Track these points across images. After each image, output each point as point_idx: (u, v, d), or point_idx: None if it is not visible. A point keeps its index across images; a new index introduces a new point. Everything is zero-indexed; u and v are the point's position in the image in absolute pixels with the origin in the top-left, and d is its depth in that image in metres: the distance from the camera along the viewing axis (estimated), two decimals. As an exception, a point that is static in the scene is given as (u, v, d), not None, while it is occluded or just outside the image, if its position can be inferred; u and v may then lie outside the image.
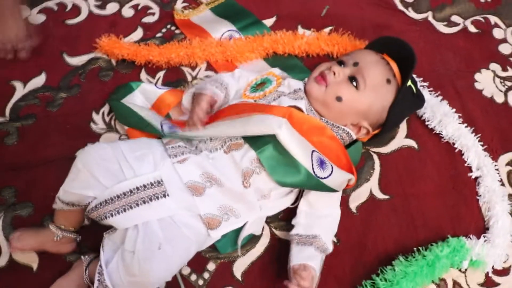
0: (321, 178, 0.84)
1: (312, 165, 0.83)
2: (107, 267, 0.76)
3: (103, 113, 1.06)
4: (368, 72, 0.90)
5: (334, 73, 0.91)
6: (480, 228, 0.94)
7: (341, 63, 0.94)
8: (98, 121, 1.06)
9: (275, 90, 0.94)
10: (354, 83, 0.90)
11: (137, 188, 0.79)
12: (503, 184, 0.98)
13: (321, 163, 0.84)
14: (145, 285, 0.75)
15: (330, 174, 0.85)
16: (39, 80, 1.12)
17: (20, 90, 1.11)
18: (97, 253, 0.84)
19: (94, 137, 1.03)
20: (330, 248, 0.85)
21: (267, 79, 0.98)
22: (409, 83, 0.94)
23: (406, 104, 0.95)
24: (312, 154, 0.84)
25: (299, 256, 0.83)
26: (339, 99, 0.89)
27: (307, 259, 0.81)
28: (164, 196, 0.79)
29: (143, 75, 1.12)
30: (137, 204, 0.78)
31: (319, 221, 0.87)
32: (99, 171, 0.79)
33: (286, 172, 0.83)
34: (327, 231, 0.87)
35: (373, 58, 0.93)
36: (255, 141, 0.83)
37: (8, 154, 1.02)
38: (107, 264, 0.77)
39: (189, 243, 0.80)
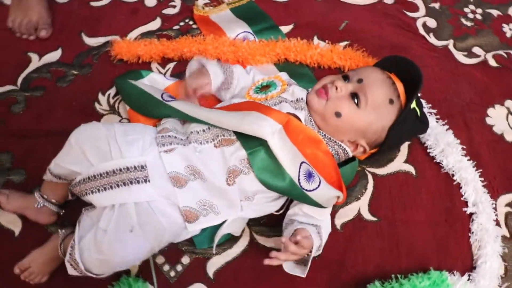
0: (306, 190, 0.82)
1: (299, 175, 0.82)
2: (80, 242, 0.77)
3: (108, 95, 1.08)
4: (371, 90, 0.89)
5: (337, 88, 0.89)
6: (467, 266, 0.91)
7: (346, 78, 0.92)
8: (102, 102, 1.07)
9: (278, 96, 0.93)
10: (356, 100, 0.88)
11: (120, 170, 0.80)
12: (498, 225, 0.94)
13: (309, 176, 0.83)
14: (111, 264, 0.76)
15: (316, 188, 0.83)
16: (54, 55, 1.15)
17: (36, 62, 1.14)
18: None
19: (97, 117, 1.05)
20: (321, 247, 0.84)
21: (272, 83, 0.98)
22: (414, 105, 0.92)
23: (407, 127, 0.93)
24: (301, 165, 0.83)
25: (302, 226, 0.82)
26: (338, 114, 0.88)
27: (312, 233, 0.81)
28: (145, 181, 0.80)
29: (154, 64, 1.13)
30: (118, 185, 0.80)
31: (318, 222, 0.86)
32: (89, 149, 0.81)
33: (273, 177, 0.82)
34: (325, 231, 0.86)
35: (378, 76, 0.91)
36: (248, 141, 0.83)
37: (13, 121, 1.05)
38: (81, 240, 0.77)
39: (162, 230, 0.80)
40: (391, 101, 0.90)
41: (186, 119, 0.88)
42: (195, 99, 0.98)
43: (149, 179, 0.80)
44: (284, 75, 1.01)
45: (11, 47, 1.17)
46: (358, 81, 0.90)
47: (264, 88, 0.97)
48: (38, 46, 1.17)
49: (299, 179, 0.82)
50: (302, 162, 0.83)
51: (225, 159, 0.82)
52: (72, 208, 0.92)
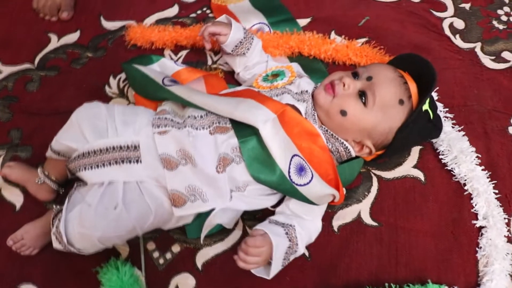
0: (296, 184, 0.80)
1: (289, 168, 0.79)
2: (67, 215, 0.78)
3: (119, 79, 1.09)
4: (379, 89, 0.84)
5: (344, 85, 0.86)
6: (470, 283, 0.85)
7: (355, 74, 0.88)
8: (113, 85, 1.08)
9: (283, 86, 0.91)
10: (363, 99, 0.84)
11: (113, 148, 0.81)
12: (510, 242, 0.87)
13: (300, 169, 0.80)
14: (91, 239, 0.76)
15: (307, 183, 0.80)
16: (73, 37, 1.18)
17: (54, 42, 1.17)
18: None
19: (106, 100, 1.06)
20: (300, 248, 0.81)
21: (281, 72, 0.95)
22: (427, 107, 0.87)
23: (416, 129, 0.87)
24: (292, 157, 0.80)
25: (264, 226, 0.80)
26: (343, 113, 0.84)
27: (271, 233, 0.78)
28: (137, 161, 0.81)
29: (167, 51, 1.13)
30: (110, 163, 0.81)
31: (300, 220, 0.83)
32: (87, 127, 0.83)
33: (263, 168, 0.80)
34: (304, 232, 0.82)
35: (389, 75, 0.87)
36: (241, 130, 0.81)
37: (26, 99, 1.08)
38: (68, 213, 0.78)
39: (147, 212, 0.79)
40: (401, 102, 0.85)
41: (183, 103, 0.88)
42: (208, 43, 0.99)
43: (141, 159, 0.81)
44: (296, 66, 0.99)
45: (33, 27, 1.20)
46: (368, 78, 0.86)
47: (273, 76, 0.94)
48: (59, 27, 1.19)
49: (289, 172, 0.79)
50: (295, 155, 0.80)
51: (217, 146, 0.81)
52: (72, 188, 0.92)
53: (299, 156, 0.81)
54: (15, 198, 0.94)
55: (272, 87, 0.91)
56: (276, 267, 0.78)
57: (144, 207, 0.79)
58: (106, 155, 0.81)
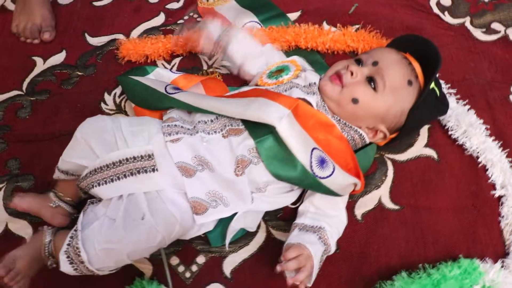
0: (320, 178, 0.78)
1: (311, 162, 0.78)
2: (84, 230, 0.73)
3: (114, 94, 1.06)
4: (388, 73, 0.84)
5: (352, 73, 0.85)
6: (499, 252, 0.85)
7: (359, 61, 0.88)
8: (108, 101, 1.05)
9: (289, 81, 0.89)
10: (372, 84, 0.84)
11: (127, 159, 0.78)
12: (531, 206, 0.88)
13: (322, 162, 0.79)
14: (120, 255, 0.73)
15: (330, 175, 0.79)
16: (59, 57, 1.14)
17: (40, 65, 1.13)
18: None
19: (103, 117, 1.02)
20: (332, 247, 0.80)
21: (286, 67, 0.94)
22: (433, 85, 0.87)
23: (427, 108, 0.88)
24: (312, 151, 0.79)
25: (298, 238, 0.78)
26: (355, 101, 0.84)
27: (306, 243, 0.76)
28: (153, 170, 0.77)
29: (160, 60, 1.10)
30: (125, 176, 0.77)
31: (327, 218, 0.82)
32: (94, 141, 0.80)
33: (283, 165, 0.78)
34: (334, 230, 0.81)
35: (394, 57, 0.87)
36: (255, 130, 0.79)
37: (19, 126, 1.04)
38: (85, 228, 0.74)
39: (173, 220, 0.76)
40: (409, 83, 0.85)
41: (191, 110, 0.85)
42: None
43: (157, 168, 0.77)
44: (299, 60, 0.98)
45: (16, 52, 1.16)
46: (373, 63, 0.86)
47: (277, 72, 0.93)
48: (42, 50, 1.15)
49: (311, 166, 0.78)
50: (314, 148, 0.79)
51: (233, 149, 0.79)
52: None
53: (318, 149, 0.80)
54: (24, 230, 0.90)
55: (278, 82, 0.90)
56: (315, 273, 0.76)
57: (169, 215, 0.76)
58: (120, 168, 0.77)
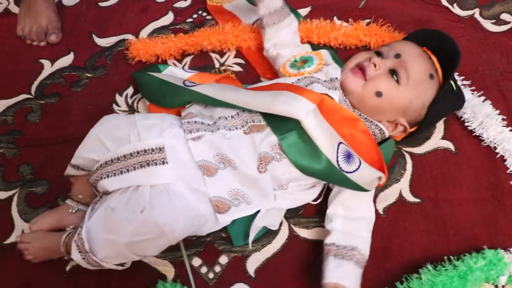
0: (346, 172, 0.78)
1: (337, 157, 0.77)
2: (88, 220, 0.74)
3: (126, 95, 1.04)
4: (411, 66, 0.84)
5: (375, 65, 0.84)
6: (522, 242, 0.85)
7: (379, 54, 0.87)
8: (120, 103, 1.04)
9: (310, 75, 0.89)
10: (395, 77, 0.84)
11: (137, 152, 0.77)
12: (550, 196, 0.89)
13: (348, 156, 0.78)
14: (118, 246, 0.72)
15: (356, 169, 0.78)
16: (67, 59, 1.12)
17: (48, 68, 1.11)
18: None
19: (116, 119, 1.01)
20: (367, 256, 0.79)
21: (310, 58, 0.94)
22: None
23: (446, 102, 0.88)
24: (338, 145, 0.78)
25: (335, 272, 0.75)
26: (379, 94, 0.83)
27: (343, 278, 0.74)
28: (163, 163, 0.76)
29: (170, 60, 1.09)
30: (134, 168, 0.76)
31: (357, 225, 0.80)
32: (107, 136, 0.80)
33: (308, 160, 0.78)
34: (366, 239, 0.80)
35: (415, 51, 0.87)
36: (278, 126, 0.78)
37: (29, 130, 1.02)
38: (89, 218, 0.75)
39: (176, 214, 0.73)
40: (431, 76, 0.85)
41: (212, 103, 0.84)
42: None
43: (167, 160, 0.76)
44: (325, 54, 0.97)
45: (22, 56, 1.14)
46: (396, 56, 0.85)
47: (301, 62, 0.93)
48: (49, 52, 1.14)
49: (337, 161, 0.77)
50: (340, 143, 0.79)
51: (255, 146, 0.78)
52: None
53: (343, 143, 0.79)
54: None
55: (299, 74, 0.89)
56: None
57: (172, 209, 0.73)
58: (130, 160, 0.76)
